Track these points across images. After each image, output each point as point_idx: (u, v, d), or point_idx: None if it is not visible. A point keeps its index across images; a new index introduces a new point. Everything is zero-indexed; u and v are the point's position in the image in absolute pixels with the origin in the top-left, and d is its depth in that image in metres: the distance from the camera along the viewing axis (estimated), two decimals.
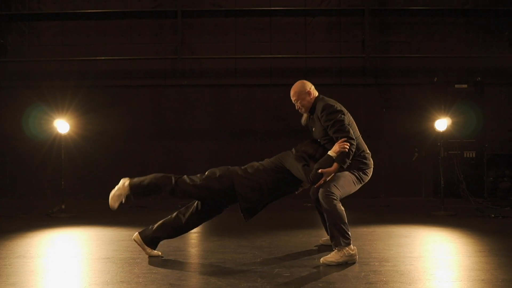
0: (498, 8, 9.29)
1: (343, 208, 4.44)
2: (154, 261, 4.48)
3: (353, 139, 4.49)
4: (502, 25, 9.38)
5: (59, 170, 7.85)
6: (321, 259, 4.41)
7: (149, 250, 4.57)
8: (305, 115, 4.83)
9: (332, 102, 4.63)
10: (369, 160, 4.72)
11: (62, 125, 7.67)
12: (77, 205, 8.21)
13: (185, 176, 4.47)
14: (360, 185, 4.68)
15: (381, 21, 9.46)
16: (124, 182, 4.43)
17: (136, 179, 4.43)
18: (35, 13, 9.42)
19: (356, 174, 4.61)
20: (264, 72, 9.41)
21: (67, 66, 9.42)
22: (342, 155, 4.41)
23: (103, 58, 9.27)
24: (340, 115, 4.52)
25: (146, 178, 4.42)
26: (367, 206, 8.25)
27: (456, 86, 8.91)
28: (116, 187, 4.43)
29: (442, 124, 7.60)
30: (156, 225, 4.58)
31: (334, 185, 4.45)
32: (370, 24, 9.26)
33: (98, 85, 9.23)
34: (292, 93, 4.74)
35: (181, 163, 9.05)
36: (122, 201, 4.42)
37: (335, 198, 4.41)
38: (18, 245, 5.22)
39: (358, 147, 4.63)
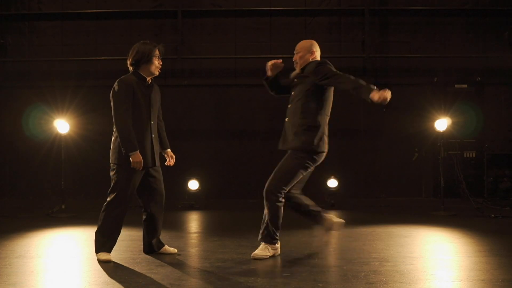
0: (498, 8, 9.28)
1: (282, 209, 4.62)
2: (154, 261, 4.49)
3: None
4: (502, 25, 9.38)
5: (59, 170, 7.85)
6: (252, 254, 4.57)
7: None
8: (296, 72, 4.83)
9: (328, 63, 4.68)
10: (326, 144, 4.68)
11: (62, 125, 7.67)
12: (77, 205, 8.20)
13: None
14: (309, 171, 4.71)
15: (381, 21, 9.46)
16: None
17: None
18: (35, 13, 9.41)
19: (306, 163, 4.60)
20: (264, 72, 9.36)
21: (67, 66, 9.42)
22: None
23: (103, 58, 9.26)
24: (334, 70, 4.58)
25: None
26: (367, 206, 8.25)
27: (456, 86, 8.90)
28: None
29: (442, 124, 7.60)
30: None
31: (282, 179, 4.56)
32: (370, 24, 9.26)
33: (98, 85, 9.22)
34: (298, 45, 4.81)
35: (181, 163, 9.02)
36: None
37: (281, 197, 4.57)
38: (18, 245, 5.22)
39: (320, 127, 4.60)
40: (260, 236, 4.65)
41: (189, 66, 9.44)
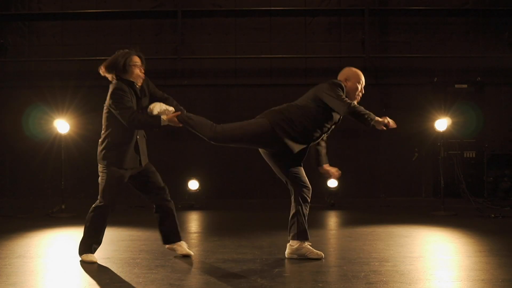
0: (498, 8, 9.27)
1: None
2: (154, 261, 4.48)
3: None
4: (502, 25, 9.37)
5: (59, 170, 7.85)
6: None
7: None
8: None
9: None
10: None
11: (62, 125, 7.67)
12: (77, 205, 8.19)
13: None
14: None
15: (381, 21, 9.45)
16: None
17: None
18: (35, 13, 9.40)
19: None
20: (264, 72, 9.41)
21: (67, 66, 9.41)
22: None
23: (103, 58, 9.20)
24: None
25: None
26: (367, 206, 8.25)
27: (456, 86, 8.90)
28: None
29: (442, 124, 7.60)
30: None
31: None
32: (370, 24, 9.25)
33: (98, 85, 9.18)
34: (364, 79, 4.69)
35: (181, 163, 9.05)
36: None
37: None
38: (18, 245, 5.22)
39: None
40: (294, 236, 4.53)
41: (189, 66, 9.43)
